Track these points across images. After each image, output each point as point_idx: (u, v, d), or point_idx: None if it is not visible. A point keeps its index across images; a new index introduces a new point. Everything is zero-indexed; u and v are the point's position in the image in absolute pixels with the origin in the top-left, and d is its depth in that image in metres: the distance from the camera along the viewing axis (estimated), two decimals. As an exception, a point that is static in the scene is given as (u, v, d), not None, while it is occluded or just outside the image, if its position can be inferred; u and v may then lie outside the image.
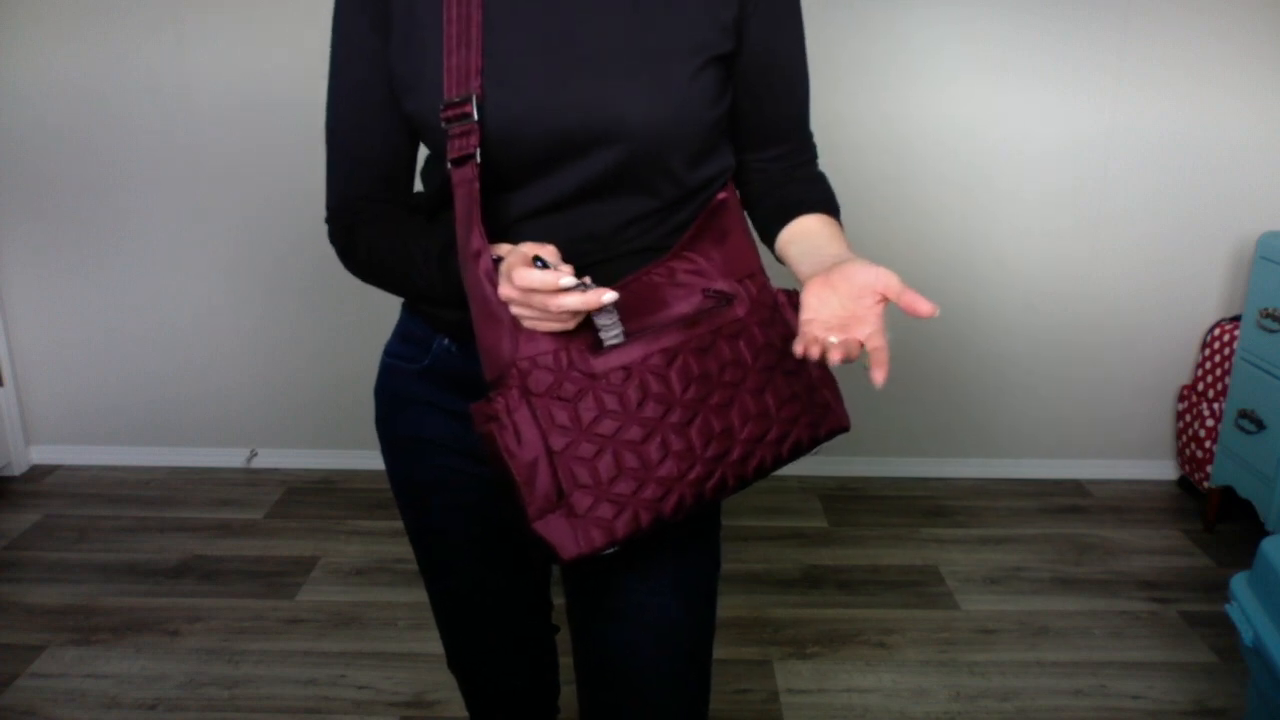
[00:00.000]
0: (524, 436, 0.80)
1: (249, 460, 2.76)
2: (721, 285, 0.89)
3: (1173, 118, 2.46)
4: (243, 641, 1.99)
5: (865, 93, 2.45)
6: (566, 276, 0.75)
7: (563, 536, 0.80)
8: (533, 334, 0.81)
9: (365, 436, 2.74)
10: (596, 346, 0.82)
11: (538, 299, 0.76)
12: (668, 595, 1.00)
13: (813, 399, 0.91)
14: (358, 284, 0.97)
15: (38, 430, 2.76)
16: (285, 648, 1.97)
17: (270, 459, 2.76)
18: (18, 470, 2.72)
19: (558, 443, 0.81)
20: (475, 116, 0.83)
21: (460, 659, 1.14)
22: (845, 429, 0.94)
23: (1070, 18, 2.39)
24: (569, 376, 0.81)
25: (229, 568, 2.26)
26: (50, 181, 2.54)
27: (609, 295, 0.77)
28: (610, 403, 0.82)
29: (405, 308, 1.03)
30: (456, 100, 0.83)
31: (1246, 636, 1.38)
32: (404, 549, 2.34)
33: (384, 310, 2.95)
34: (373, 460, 2.78)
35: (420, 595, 2.14)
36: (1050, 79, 2.44)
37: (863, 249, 0.83)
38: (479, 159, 0.83)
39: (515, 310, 0.79)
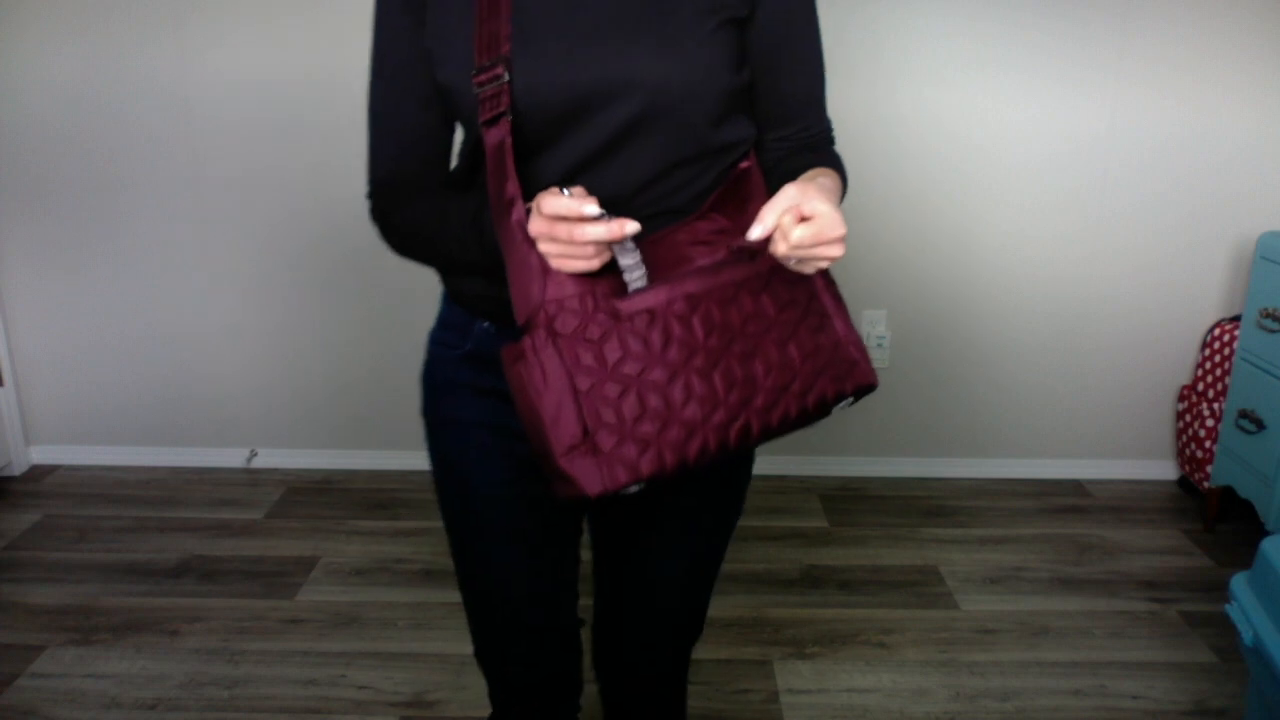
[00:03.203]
0: (550, 376, 0.83)
1: (249, 460, 2.76)
2: (745, 243, 0.91)
3: (1173, 118, 2.46)
4: (243, 641, 1.99)
5: (862, 92, 2.45)
6: (591, 205, 0.78)
7: (588, 473, 0.83)
8: (560, 278, 0.84)
9: (365, 436, 2.76)
10: (621, 292, 0.86)
11: (563, 229, 0.80)
12: (694, 536, 1.12)
13: (838, 354, 0.93)
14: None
15: (38, 430, 2.77)
16: (285, 648, 1.97)
17: (270, 459, 2.76)
18: (18, 470, 2.72)
19: (583, 383, 0.83)
20: (506, 78, 0.87)
21: (488, 646, 1.16)
22: (873, 386, 0.95)
23: (1070, 17, 2.39)
24: (594, 319, 0.84)
25: (229, 568, 2.26)
26: (50, 181, 2.54)
27: (631, 225, 0.80)
28: (634, 345, 0.84)
29: (444, 298, 1.07)
30: (488, 64, 0.88)
31: (1246, 636, 1.38)
32: (404, 549, 2.34)
33: (384, 310, 2.94)
34: (373, 460, 2.80)
35: (420, 595, 2.14)
36: (1050, 79, 2.44)
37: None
38: (510, 116, 0.87)
39: (543, 247, 0.83)
